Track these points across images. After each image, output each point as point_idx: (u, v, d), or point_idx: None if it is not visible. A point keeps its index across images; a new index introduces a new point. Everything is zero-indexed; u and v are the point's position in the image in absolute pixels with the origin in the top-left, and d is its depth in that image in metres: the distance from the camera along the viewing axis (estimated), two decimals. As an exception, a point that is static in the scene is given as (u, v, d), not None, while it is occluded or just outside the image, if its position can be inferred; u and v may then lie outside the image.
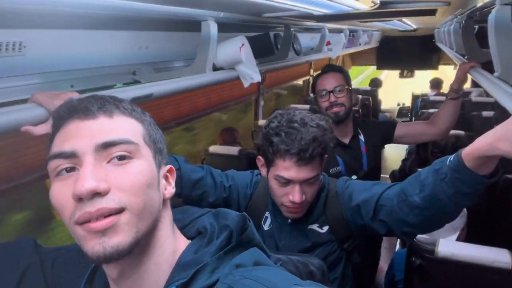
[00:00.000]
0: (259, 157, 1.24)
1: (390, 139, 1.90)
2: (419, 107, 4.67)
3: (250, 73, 1.61)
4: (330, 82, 1.79)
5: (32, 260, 0.73)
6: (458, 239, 1.58)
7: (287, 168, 1.12)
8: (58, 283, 0.71)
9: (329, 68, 1.87)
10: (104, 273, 0.62)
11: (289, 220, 1.25)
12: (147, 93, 1.14)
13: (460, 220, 1.60)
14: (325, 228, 1.24)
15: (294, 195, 1.13)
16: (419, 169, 2.21)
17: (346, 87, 1.80)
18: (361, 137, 1.86)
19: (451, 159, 0.93)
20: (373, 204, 1.12)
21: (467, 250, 1.31)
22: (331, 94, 1.77)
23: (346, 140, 1.85)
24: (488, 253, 1.28)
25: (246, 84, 1.63)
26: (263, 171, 1.24)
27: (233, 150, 2.57)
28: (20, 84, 1.07)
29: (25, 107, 0.87)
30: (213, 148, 2.63)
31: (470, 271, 1.29)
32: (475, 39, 1.97)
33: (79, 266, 0.70)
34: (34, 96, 0.91)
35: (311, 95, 4.85)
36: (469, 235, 1.65)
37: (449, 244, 1.35)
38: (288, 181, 1.14)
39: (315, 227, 1.24)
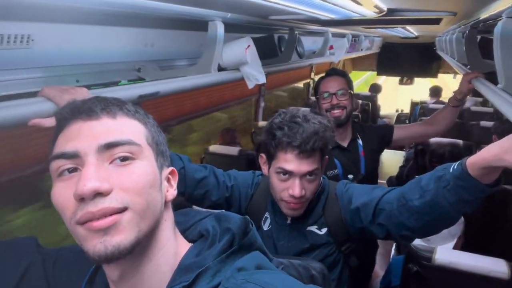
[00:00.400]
0: (262, 154, 1.26)
1: (389, 142, 1.93)
2: (418, 115, 4.69)
3: (255, 74, 1.62)
4: (333, 85, 1.82)
5: (34, 259, 0.72)
6: (455, 247, 1.59)
7: (288, 161, 1.14)
8: (59, 283, 0.71)
9: (333, 71, 1.91)
10: (105, 274, 0.62)
11: (288, 221, 1.26)
12: (153, 91, 1.14)
13: (458, 228, 1.61)
14: (324, 230, 1.25)
15: (294, 189, 1.14)
16: (417, 176, 2.23)
17: (349, 91, 1.83)
18: (360, 141, 1.89)
19: (455, 167, 0.95)
20: (373, 208, 1.13)
21: (465, 258, 1.32)
22: (334, 96, 1.80)
23: (345, 144, 1.87)
24: (485, 263, 1.29)
25: (250, 85, 1.64)
26: (265, 169, 1.26)
27: (233, 150, 2.57)
28: (26, 77, 1.07)
29: (34, 101, 0.87)
30: (213, 148, 2.63)
31: (467, 280, 1.30)
32: (478, 49, 1.99)
33: (80, 268, 0.70)
34: (43, 90, 0.91)
35: (312, 98, 4.88)
36: (465, 243, 1.66)
37: (446, 252, 1.36)
38: (289, 173, 1.15)
39: (314, 228, 1.25)
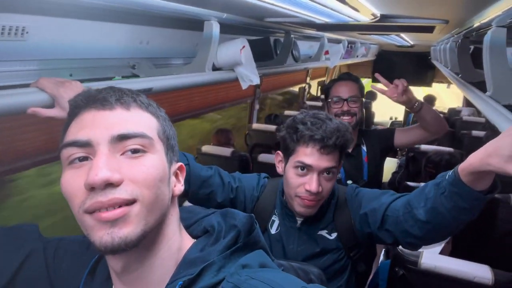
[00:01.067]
0: (278, 152, 1.27)
1: (391, 146, 1.91)
2: (412, 122, 4.74)
3: (249, 75, 1.63)
4: (345, 90, 1.79)
5: (36, 246, 0.72)
6: (442, 252, 1.60)
7: (308, 155, 1.15)
8: (59, 273, 0.71)
9: (347, 76, 1.88)
10: (106, 265, 0.62)
11: (298, 224, 1.25)
12: (146, 87, 1.15)
13: (445, 234, 1.62)
14: (334, 235, 1.25)
15: (311, 184, 1.14)
16: (408, 183, 2.24)
17: (360, 98, 1.82)
18: (364, 147, 1.87)
19: (450, 173, 0.96)
20: (381, 214, 1.14)
21: (450, 263, 1.34)
22: (345, 102, 1.78)
23: (349, 149, 1.84)
24: (470, 268, 1.30)
25: (244, 86, 1.65)
26: (280, 167, 1.26)
27: (226, 151, 2.58)
28: (19, 69, 1.07)
29: (29, 91, 0.88)
30: (206, 148, 2.63)
31: (452, 284, 1.31)
32: (470, 58, 2.02)
33: (81, 258, 0.70)
34: (39, 81, 0.92)
35: (307, 102, 4.90)
36: (453, 250, 1.68)
37: (432, 257, 1.37)
38: (307, 168, 1.16)
39: (324, 233, 1.25)
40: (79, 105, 0.60)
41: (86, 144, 0.55)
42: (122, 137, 0.56)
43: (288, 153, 1.21)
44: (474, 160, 0.87)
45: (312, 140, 1.14)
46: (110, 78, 1.36)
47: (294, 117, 1.22)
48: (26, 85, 0.95)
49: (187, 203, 1.39)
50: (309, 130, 1.15)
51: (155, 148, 0.59)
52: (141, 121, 0.60)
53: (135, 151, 0.57)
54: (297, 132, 1.17)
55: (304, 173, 1.17)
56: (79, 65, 1.26)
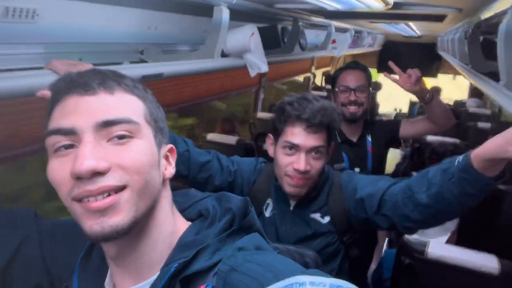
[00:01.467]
0: (269, 135, 1.28)
1: (396, 138, 1.90)
2: (416, 114, 4.71)
3: (258, 62, 1.62)
4: (353, 79, 1.77)
5: (31, 231, 0.72)
6: (448, 241, 1.61)
7: (296, 134, 1.17)
8: (55, 257, 0.71)
9: (355, 65, 1.86)
10: (101, 249, 0.62)
11: (291, 207, 1.26)
12: (157, 72, 1.14)
13: (452, 223, 1.63)
14: (327, 219, 1.25)
15: (299, 163, 1.16)
16: (414, 173, 2.23)
17: (368, 87, 1.80)
18: (369, 137, 1.87)
19: (460, 159, 0.95)
20: (378, 198, 1.14)
21: (457, 253, 1.34)
22: (352, 92, 1.76)
23: (354, 139, 1.85)
24: (477, 258, 1.30)
25: (252, 73, 1.63)
26: (271, 149, 1.28)
27: (231, 139, 2.57)
28: (29, 52, 1.07)
29: (42, 73, 0.87)
30: (211, 136, 2.62)
31: (458, 274, 1.32)
32: (480, 49, 1.99)
33: (77, 242, 0.69)
34: (52, 63, 0.91)
35: (312, 92, 4.87)
36: (459, 238, 1.68)
37: (439, 246, 1.37)
38: (295, 148, 1.17)
39: (317, 216, 1.26)
40: (60, 90, 0.57)
41: (70, 132, 0.53)
42: (107, 124, 0.54)
43: (277, 134, 1.23)
44: (491, 146, 0.87)
45: (298, 120, 1.16)
46: (119, 63, 1.35)
47: (283, 99, 1.24)
48: (35, 69, 0.94)
49: None
50: (296, 110, 1.17)
51: (142, 133, 0.57)
52: (127, 105, 0.57)
53: (121, 137, 0.54)
54: (284, 112, 1.19)
55: (292, 153, 1.19)
56: (88, 49, 1.26)
